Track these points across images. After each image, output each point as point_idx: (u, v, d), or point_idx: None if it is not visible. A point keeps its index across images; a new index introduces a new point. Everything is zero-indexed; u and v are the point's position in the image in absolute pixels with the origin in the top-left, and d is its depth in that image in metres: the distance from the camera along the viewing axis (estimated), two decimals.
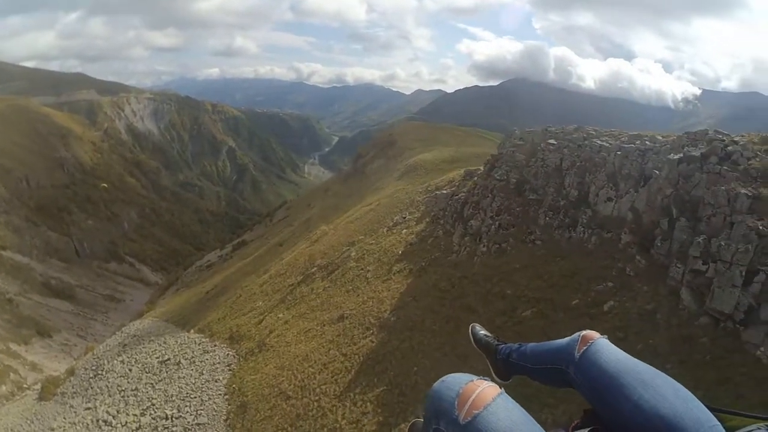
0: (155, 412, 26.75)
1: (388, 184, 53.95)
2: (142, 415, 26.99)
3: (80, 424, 28.27)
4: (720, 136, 18.37)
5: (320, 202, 72.50)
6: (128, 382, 30.92)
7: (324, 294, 31.09)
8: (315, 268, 34.93)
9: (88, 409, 29.58)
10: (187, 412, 25.85)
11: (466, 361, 19.35)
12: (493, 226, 27.06)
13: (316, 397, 22.18)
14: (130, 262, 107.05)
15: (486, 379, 1.78)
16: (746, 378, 12.84)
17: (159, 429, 25.36)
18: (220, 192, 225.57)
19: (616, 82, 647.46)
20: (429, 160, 57.29)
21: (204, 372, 28.93)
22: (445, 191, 37.10)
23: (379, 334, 24.01)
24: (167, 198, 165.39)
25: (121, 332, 42.60)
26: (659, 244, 18.23)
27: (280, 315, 31.27)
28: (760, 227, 14.41)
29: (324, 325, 27.42)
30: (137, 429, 26.06)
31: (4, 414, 33.81)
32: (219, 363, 29.36)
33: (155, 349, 34.35)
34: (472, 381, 1.75)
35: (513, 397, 1.73)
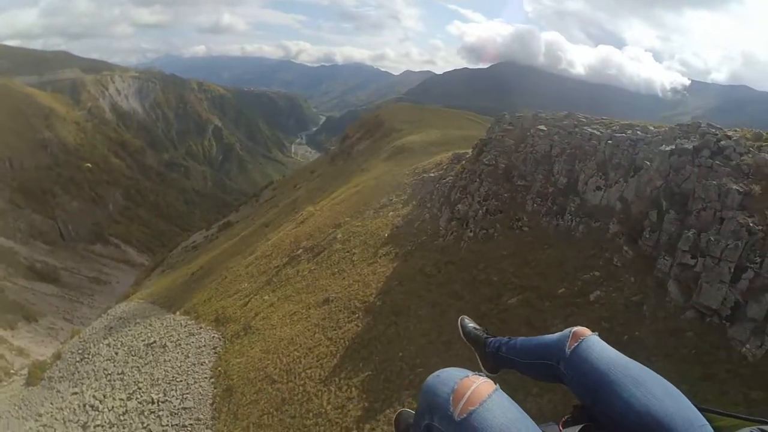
0: (141, 396, 26.64)
1: (375, 165, 53.59)
2: (129, 399, 26.84)
3: (67, 409, 28.08)
4: (713, 130, 18.23)
5: (307, 183, 72.16)
6: (114, 366, 30.74)
7: (309, 276, 30.88)
8: (301, 250, 34.66)
9: (75, 393, 29.38)
10: (173, 396, 25.72)
11: (451, 348, 19.35)
12: (480, 212, 26.87)
13: (302, 382, 22.09)
14: (116, 244, 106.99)
15: (481, 375, 1.76)
16: (731, 375, 12.87)
17: (145, 413, 25.23)
18: (206, 172, 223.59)
19: (606, 69, 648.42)
20: (416, 142, 56.97)
21: (190, 355, 28.78)
22: (432, 174, 36.83)
23: (365, 319, 23.90)
24: (152, 178, 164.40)
25: (107, 315, 42.34)
26: (647, 236, 18.17)
27: (266, 297, 31.07)
28: (751, 224, 14.36)
29: (309, 308, 27.26)
30: (124, 413, 25.90)
31: None
32: (204, 346, 29.21)
33: (141, 332, 34.14)
34: (468, 377, 1.73)
35: (499, 386, 1.72)
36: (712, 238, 14.94)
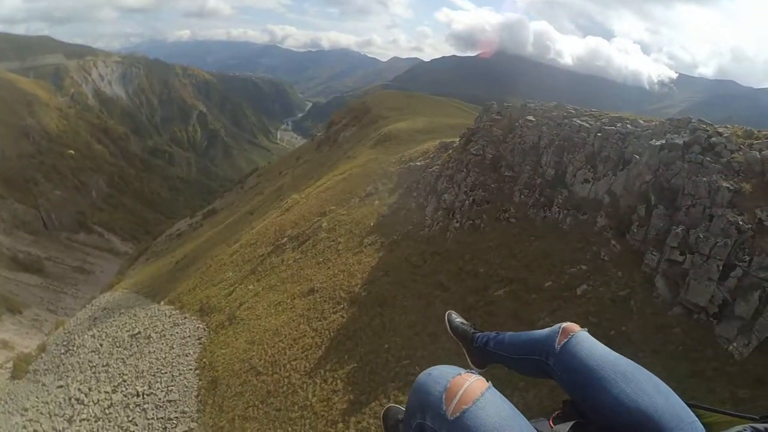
0: (126, 389, 26.42)
1: (361, 152, 53.24)
2: (114, 392, 26.60)
3: (53, 403, 27.82)
4: (704, 126, 18.11)
5: (292, 170, 71.63)
6: (99, 358, 30.49)
7: (294, 265, 30.64)
8: (285, 239, 34.38)
9: (61, 387, 29.11)
10: (158, 388, 25.55)
11: (437, 341, 19.25)
12: (467, 202, 26.69)
13: (287, 374, 21.95)
14: (100, 233, 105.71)
15: (473, 372, 1.73)
16: (718, 373, 12.85)
17: (131, 407, 25.03)
18: (190, 158, 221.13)
19: (594, 60, 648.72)
20: (403, 129, 56.57)
21: (174, 346, 28.60)
22: (419, 163, 36.60)
23: (350, 309, 23.74)
24: (136, 165, 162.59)
25: (91, 305, 42.12)
26: (635, 230, 18.09)
27: (251, 287, 30.82)
28: (740, 222, 14.29)
29: (294, 298, 27.06)
30: (109, 407, 25.67)
31: None
32: (189, 336, 29.02)
33: (125, 323, 33.92)
34: (460, 374, 1.70)
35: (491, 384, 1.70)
36: (701, 236, 14.87)
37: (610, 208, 20.09)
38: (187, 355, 27.25)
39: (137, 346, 29.91)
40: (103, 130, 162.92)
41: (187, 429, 22.46)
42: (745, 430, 1.58)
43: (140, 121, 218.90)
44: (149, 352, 28.84)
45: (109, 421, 24.64)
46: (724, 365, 13.02)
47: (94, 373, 28.94)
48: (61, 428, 25.70)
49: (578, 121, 23.95)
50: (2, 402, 30.12)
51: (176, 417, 23.26)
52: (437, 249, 25.31)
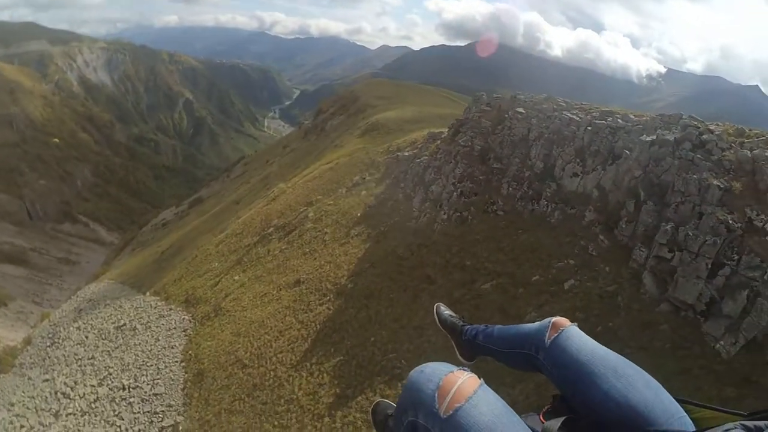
0: (112, 382, 26.11)
1: (349, 141, 52.98)
2: (100, 385, 26.28)
3: (39, 398, 27.39)
4: (695, 123, 18.07)
5: (279, 159, 71.18)
6: (85, 350, 30.12)
7: (281, 256, 30.40)
8: (272, 229, 34.10)
9: (47, 380, 28.70)
10: (144, 381, 25.32)
11: (423, 334, 19.21)
12: (454, 194, 26.54)
13: (273, 366, 21.80)
14: (85, 222, 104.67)
15: (466, 369, 1.72)
16: (705, 371, 12.87)
17: (116, 400, 24.76)
18: (176, 146, 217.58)
19: (583, 53, 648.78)
20: (391, 118, 56.29)
21: (160, 338, 28.36)
22: (407, 153, 36.36)
23: (336, 302, 23.59)
24: (121, 154, 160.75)
25: (77, 296, 41.83)
26: (624, 226, 18.05)
27: (236, 277, 30.58)
28: (730, 221, 14.30)
29: (280, 290, 26.86)
30: (95, 401, 25.35)
31: None
32: (175, 328, 28.79)
33: (111, 314, 33.58)
34: (452, 372, 1.69)
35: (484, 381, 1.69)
36: (690, 233, 14.85)
37: (598, 203, 20.04)
38: (172, 347, 27.01)
39: (123, 338, 29.61)
40: (88, 118, 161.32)
41: (173, 423, 22.27)
42: (735, 427, 1.50)
43: (126, 108, 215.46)
44: (135, 344, 28.57)
45: (96, 416, 24.34)
46: (711, 363, 13.04)
47: (80, 366, 28.62)
48: (47, 423, 25.32)
49: (568, 115, 23.80)
50: None
51: (162, 411, 23.05)
52: (424, 241, 25.17)
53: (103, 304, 36.11)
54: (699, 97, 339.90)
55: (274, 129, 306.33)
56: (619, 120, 21.33)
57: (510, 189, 24.51)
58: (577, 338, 2.02)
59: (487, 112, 30.06)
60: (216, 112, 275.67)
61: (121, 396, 24.82)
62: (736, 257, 13.84)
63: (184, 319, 29.25)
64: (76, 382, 27.26)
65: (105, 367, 27.53)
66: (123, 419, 23.42)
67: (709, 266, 14.18)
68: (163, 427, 22.33)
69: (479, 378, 1.68)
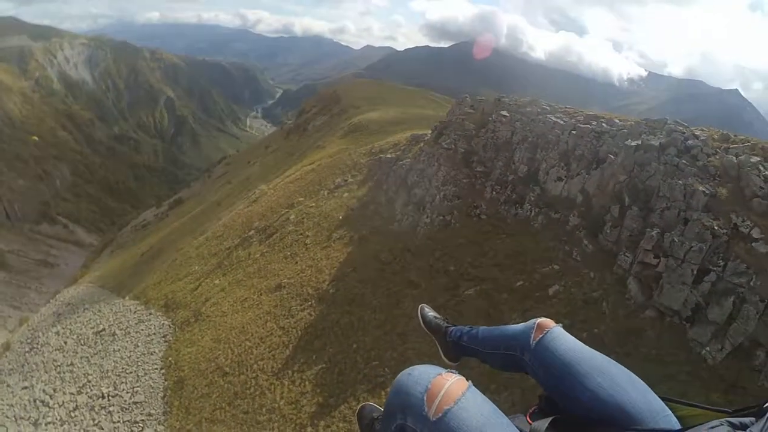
0: (91, 390, 25.37)
1: (331, 142, 52.63)
2: (79, 393, 25.53)
3: (18, 406, 26.51)
4: (680, 128, 18.08)
5: (261, 159, 70.66)
6: (64, 356, 29.31)
7: (261, 260, 29.92)
8: (252, 231, 33.60)
9: (26, 388, 27.82)
10: (124, 389, 24.63)
11: (406, 341, 19.00)
12: (437, 197, 26.32)
13: (254, 374, 21.36)
14: (64, 224, 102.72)
15: (454, 372, 1.72)
16: (691, 377, 12.85)
17: (96, 409, 24.02)
18: (157, 145, 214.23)
19: (566, 56, 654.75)
20: (374, 119, 56.08)
21: (139, 344, 27.70)
22: (389, 155, 36.04)
23: (318, 307, 23.20)
24: (101, 153, 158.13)
25: (56, 300, 40.97)
26: (608, 231, 17.97)
27: (217, 281, 30.05)
28: (715, 227, 14.26)
29: (261, 294, 26.40)
30: (74, 409, 24.60)
31: None
32: (154, 334, 28.16)
33: (90, 319, 32.82)
34: (440, 374, 1.69)
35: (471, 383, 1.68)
36: (676, 239, 14.78)
37: (582, 208, 19.95)
38: (152, 354, 26.40)
39: (102, 344, 28.92)
40: (68, 115, 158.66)
41: None
42: (721, 424, 1.53)
43: (106, 106, 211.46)
44: (114, 350, 27.92)
45: (75, 425, 23.66)
46: (697, 369, 13.02)
47: (59, 373, 27.91)
48: None
49: (552, 118, 23.72)
50: None
51: (142, 420, 22.43)
52: (407, 245, 24.90)
53: (82, 308, 35.31)
54: (679, 100, 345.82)
55: (257, 128, 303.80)
56: (603, 124, 21.27)
57: (494, 193, 24.37)
58: (562, 339, 2.03)
59: (470, 115, 29.92)
60: (198, 111, 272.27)
61: (100, 404, 24.13)
62: (722, 263, 13.82)
63: (163, 324, 28.63)
64: (55, 390, 26.54)
65: (84, 374, 26.83)
66: (103, 429, 22.74)
67: (695, 272, 14.15)
68: None
69: (467, 380, 1.67)
